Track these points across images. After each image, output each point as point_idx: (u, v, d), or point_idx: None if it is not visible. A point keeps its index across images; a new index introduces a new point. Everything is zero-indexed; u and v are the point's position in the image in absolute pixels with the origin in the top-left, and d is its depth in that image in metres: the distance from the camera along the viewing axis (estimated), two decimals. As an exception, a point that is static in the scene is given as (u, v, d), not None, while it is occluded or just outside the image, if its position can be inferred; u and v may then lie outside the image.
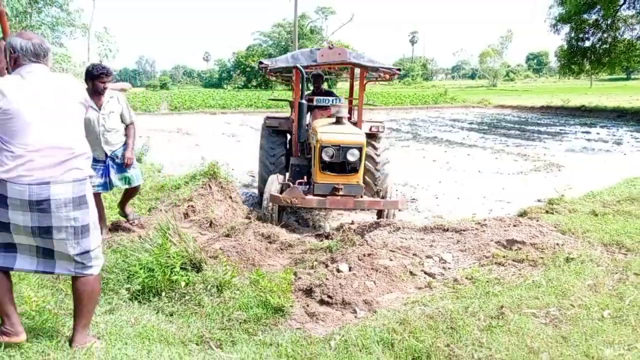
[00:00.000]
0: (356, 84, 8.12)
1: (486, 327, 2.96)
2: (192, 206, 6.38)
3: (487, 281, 3.72)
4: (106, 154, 5.19)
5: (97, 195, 4.81)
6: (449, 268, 4.06)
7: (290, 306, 3.50)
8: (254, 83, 63.46)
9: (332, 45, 7.12)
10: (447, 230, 4.93)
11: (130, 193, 5.68)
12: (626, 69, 46.76)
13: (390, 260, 4.06)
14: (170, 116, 27.02)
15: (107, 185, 5.29)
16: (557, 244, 4.25)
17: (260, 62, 7.22)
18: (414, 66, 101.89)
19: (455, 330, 2.95)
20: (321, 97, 7.39)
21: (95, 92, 5.01)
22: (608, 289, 3.40)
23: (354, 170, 6.01)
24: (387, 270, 3.87)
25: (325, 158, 5.86)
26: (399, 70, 7.48)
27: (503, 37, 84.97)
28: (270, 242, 4.89)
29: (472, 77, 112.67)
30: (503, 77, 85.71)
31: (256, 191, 8.43)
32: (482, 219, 5.47)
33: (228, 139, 17.07)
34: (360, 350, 2.85)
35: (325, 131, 6.06)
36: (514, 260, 4.08)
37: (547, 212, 5.51)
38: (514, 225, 4.79)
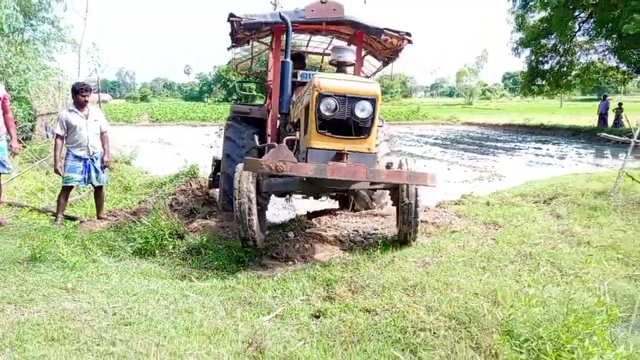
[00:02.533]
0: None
1: (379, 267, 4.37)
2: (175, 199, 7.72)
3: (391, 245, 5.12)
4: (89, 155, 6.55)
5: None
6: (369, 238, 5.47)
7: (249, 259, 4.88)
8: (235, 97, 64.87)
9: (325, 0, 5.65)
10: (376, 215, 6.35)
11: (100, 195, 6.94)
12: (597, 89, 49.41)
13: (325, 232, 5.48)
14: (151, 127, 28.29)
15: (86, 181, 6.67)
16: (450, 222, 5.73)
17: (232, 15, 5.63)
18: (393, 83, 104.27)
19: (357, 269, 4.36)
20: (306, 72, 6.30)
21: (80, 104, 6.48)
22: (470, 248, 4.84)
23: (365, 132, 4.50)
24: (321, 237, 5.29)
25: (325, 113, 4.37)
26: (409, 34, 5.96)
27: (479, 57, 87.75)
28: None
29: (450, 95, 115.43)
30: (479, 95, 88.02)
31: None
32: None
33: (207, 148, 18.39)
34: (293, 281, 4.24)
35: (325, 76, 4.57)
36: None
37: (455, 203, 6.96)
38: (424, 211, 6.23)
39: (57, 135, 6.46)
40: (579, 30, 27.18)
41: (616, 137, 7.54)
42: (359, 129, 4.47)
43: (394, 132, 29.32)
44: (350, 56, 4.89)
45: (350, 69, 5.21)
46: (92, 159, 6.61)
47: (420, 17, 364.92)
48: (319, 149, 4.43)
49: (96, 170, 6.66)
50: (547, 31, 26.84)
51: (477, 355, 2.93)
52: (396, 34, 5.83)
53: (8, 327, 3.12)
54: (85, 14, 15.79)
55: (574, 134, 26.84)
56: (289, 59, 5.08)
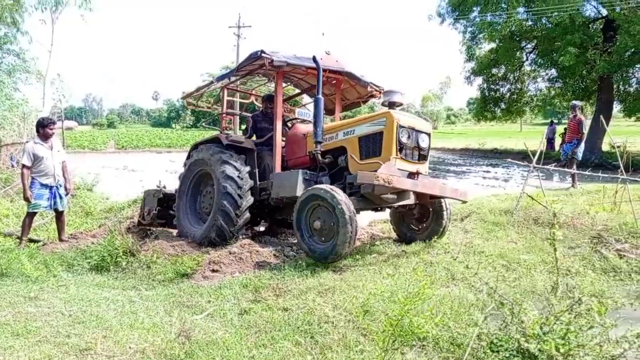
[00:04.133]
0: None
1: (302, 275, 5.15)
2: (133, 222, 8.39)
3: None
4: (55, 182, 7.24)
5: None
6: (300, 252, 6.26)
7: (192, 273, 5.62)
8: (203, 122, 65.35)
9: (329, 52, 6.87)
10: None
11: (61, 220, 7.61)
12: (554, 114, 51.94)
13: (263, 247, 6.25)
14: (117, 154, 28.75)
15: (51, 207, 7.35)
16: (372, 237, 6.61)
17: (263, 52, 6.35)
18: (361, 109, 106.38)
19: (284, 277, 5.13)
20: (302, 111, 7.60)
21: (46, 137, 7.17)
22: (382, 258, 5.69)
23: (424, 157, 6.01)
24: (258, 253, 6.06)
25: (404, 140, 5.66)
26: (382, 88, 7.23)
27: (442, 83, 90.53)
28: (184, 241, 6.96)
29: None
30: (444, 120, 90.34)
31: None
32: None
33: (170, 175, 18.99)
34: (227, 288, 4.99)
35: (399, 113, 5.82)
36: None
37: (384, 222, 7.79)
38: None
39: (24, 166, 7.11)
40: (527, 60, 28.87)
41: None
42: (421, 155, 5.89)
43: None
44: (399, 97, 6.00)
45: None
46: (57, 187, 7.30)
47: (385, 42, 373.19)
48: (401, 169, 5.59)
49: (60, 197, 7.34)
50: (496, 61, 28.38)
51: (361, 337, 3.72)
52: (377, 88, 7.21)
53: (-20, 325, 3.80)
54: (50, 47, 16.45)
55: (524, 157, 28.23)
56: (320, 96, 6.16)
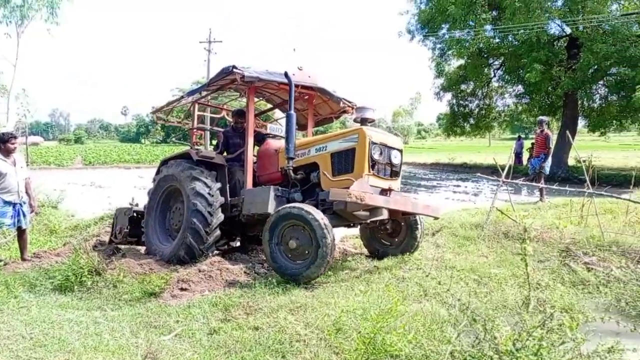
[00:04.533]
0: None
1: (273, 293, 5.06)
2: (99, 240, 8.18)
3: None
4: (19, 199, 7.02)
5: None
6: (270, 269, 6.17)
7: (161, 292, 5.47)
8: (173, 138, 64.78)
9: (301, 67, 6.81)
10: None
11: (23, 238, 7.38)
12: (522, 129, 53.14)
13: (233, 265, 6.14)
14: (84, 170, 28.17)
15: (15, 224, 7.10)
16: (345, 252, 6.57)
17: (234, 67, 6.31)
18: (333, 124, 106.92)
19: (254, 295, 5.04)
20: (274, 126, 7.58)
21: (7, 152, 6.97)
22: (355, 274, 5.64)
23: (397, 174, 6.06)
24: (229, 270, 5.94)
25: (376, 157, 5.69)
26: (355, 104, 7.30)
27: (412, 99, 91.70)
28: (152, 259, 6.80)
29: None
30: (415, 135, 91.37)
31: None
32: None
33: (139, 191, 18.68)
34: (196, 307, 4.86)
35: (372, 129, 5.85)
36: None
37: (356, 237, 7.77)
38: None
39: None
40: (494, 76, 29.46)
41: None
42: (393, 172, 5.94)
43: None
44: (371, 114, 6.01)
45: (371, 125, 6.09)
46: (20, 204, 7.05)
47: (359, 54, 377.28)
48: (373, 185, 5.58)
49: (24, 214, 7.09)
50: (465, 77, 28.87)
51: (333, 355, 3.66)
52: (350, 104, 7.30)
53: None
54: (15, 61, 16.10)
55: (493, 171, 28.68)
56: (292, 112, 6.09)
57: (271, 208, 5.99)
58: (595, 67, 20.96)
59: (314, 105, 7.59)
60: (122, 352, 3.72)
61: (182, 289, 5.53)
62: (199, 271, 5.96)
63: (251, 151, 6.74)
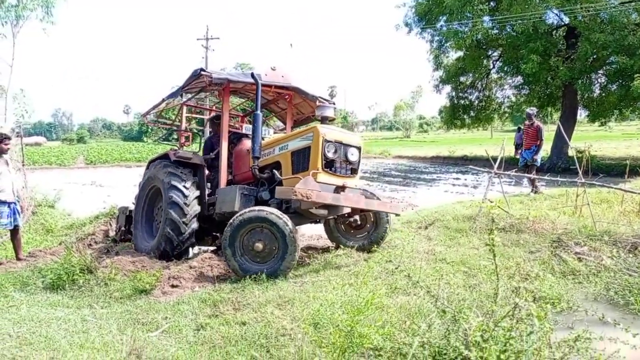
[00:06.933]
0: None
1: (260, 288, 5.07)
2: (94, 239, 8.21)
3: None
4: (14, 198, 7.08)
5: None
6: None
7: (152, 289, 5.49)
8: (175, 136, 64.69)
9: (274, 67, 6.85)
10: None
11: (17, 237, 7.41)
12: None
13: (224, 261, 6.16)
14: (85, 170, 28.23)
15: (11, 224, 7.14)
16: (335, 248, 6.58)
17: (202, 70, 6.48)
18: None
19: (243, 290, 5.05)
20: (248, 126, 7.38)
21: (2, 152, 7.03)
22: (345, 268, 5.65)
23: (354, 171, 6.05)
24: (219, 266, 5.97)
25: (329, 155, 5.70)
26: (334, 103, 7.26)
27: (414, 92, 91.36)
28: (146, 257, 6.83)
29: (390, 128, 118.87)
30: (417, 128, 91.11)
31: None
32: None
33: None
34: (185, 304, 4.88)
35: (327, 127, 5.87)
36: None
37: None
38: (317, 240, 7.05)
39: None
40: (493, 67, 29.37)
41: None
42: (351, 169, 5.92)
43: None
44: (331, 112, 6.04)
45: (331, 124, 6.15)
46: (15, 202, 7.11)
47: (357, 51, 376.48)
48: (324, 183, 5.57)
49: (18, 213, 7.15)
50: (463, 69, 28.81)
51: (317, 349, 3.67)
52: (326, 101, 7.11)
53: None
54: (11, 61, 16.11)
55: (486, 164, 28.68)
56: (259, 112, 6.22)
57: (237, 207, 6.09)
58: (594, 56, 20.86)
59: (294, 104, 7.66)
60: (107, 349, 3.73)
61: (172, 286, 5.55)
62: (190, 267, 5.99)
63: (226, 151, 6.87)
